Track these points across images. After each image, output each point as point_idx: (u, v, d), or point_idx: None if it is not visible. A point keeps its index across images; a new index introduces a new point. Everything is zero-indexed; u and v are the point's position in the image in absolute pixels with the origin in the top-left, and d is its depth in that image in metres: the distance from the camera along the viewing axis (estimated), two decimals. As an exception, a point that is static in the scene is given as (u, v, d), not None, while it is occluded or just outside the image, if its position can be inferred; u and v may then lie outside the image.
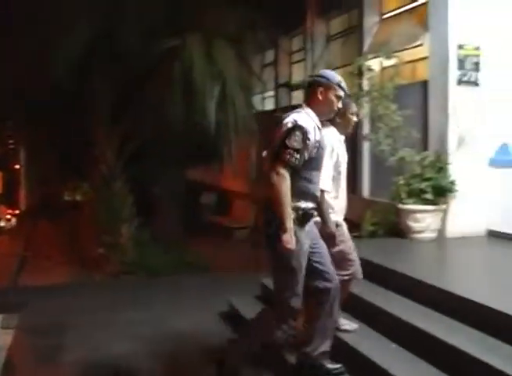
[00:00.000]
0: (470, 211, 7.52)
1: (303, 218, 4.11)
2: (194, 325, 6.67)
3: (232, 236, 15.29)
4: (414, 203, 7.28)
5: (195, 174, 15.58)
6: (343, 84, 4.32)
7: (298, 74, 13.15)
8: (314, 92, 4.25)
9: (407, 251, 7.11)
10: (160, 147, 11.38)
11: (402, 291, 5.36)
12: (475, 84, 7.60)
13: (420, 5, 8.65)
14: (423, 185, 7.30)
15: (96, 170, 11.59)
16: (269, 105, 14.97)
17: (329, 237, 4.48)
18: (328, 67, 11.37)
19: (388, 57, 8.02)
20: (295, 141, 3.99)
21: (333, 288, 4.29)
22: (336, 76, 4.34)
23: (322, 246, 4.34)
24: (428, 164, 7.46)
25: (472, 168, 7.55)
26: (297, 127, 4.02)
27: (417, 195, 7.29)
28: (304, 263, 4.16)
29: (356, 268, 4.81)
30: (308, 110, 4.22)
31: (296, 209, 4.04)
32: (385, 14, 9.77)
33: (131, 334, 6.47)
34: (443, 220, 7.42)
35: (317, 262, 4.27)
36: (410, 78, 8.80)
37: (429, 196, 7.26)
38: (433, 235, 7.33)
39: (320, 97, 4.23)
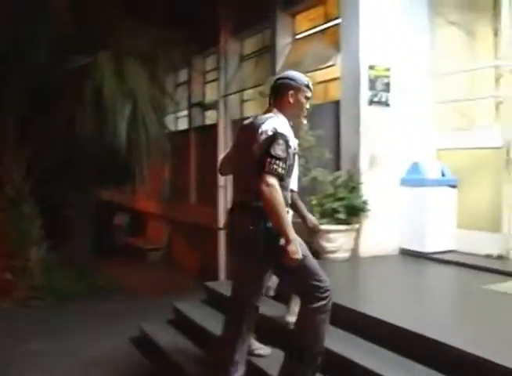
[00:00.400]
0: (382, 231, 7.58)
1: None
2: (106, 353, 6.44)
3: (145, 257, 15.03)
4: (327, 223, 7.25)
5: (108, 194, 15.25)
6: (310, 84, 4.20)
7: (212, 94, 13.07)
8: (284, 95, 4.06)
9: (320, 271, 7.06)
10: (71, 167, 11.04)
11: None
12: (386, 104, 7.69)
13: (332, 27, 8.74)
14: (336, 205, 7.29)
15: (3, 191, 11.13)
16: (183, 125, 14.81)
17: (313, 231, 4.42)
18: (241, 87, 11.41)
19: (301, 77, 7.99)
20: (280, 150, 3.79)
21: None
22: (303, 76, 4.20)
23: None
24: (341, 184, 7.47)
25: (384, 187, 7.62)
26: (278, 135, 3.83)
27: (330, 215, 7.27)
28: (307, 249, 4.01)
29: (270, 284, 4.67)
30: (280, 115, 4.04)
31: None
32: (298, 35, 9.81)
33: (38, 366, 6.15)
34: (356, 240, 7.43)
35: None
36: (322, 98, 8.84)
37: (342, 215, 7.26)
38: (346, 255, 7.32)
39: (291, 100, 4.07)
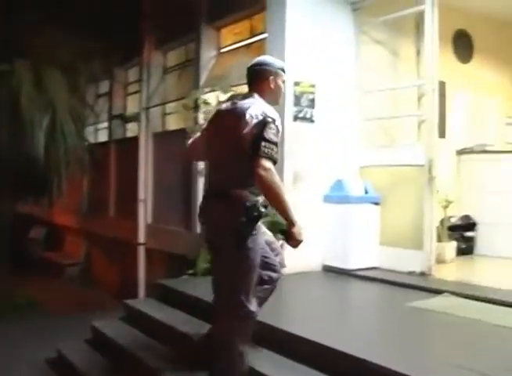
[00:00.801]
0: (306, 247, 7.45)
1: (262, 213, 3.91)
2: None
3: (62, 273, 14.57)
4: (251, 239, 7.14)
5: (28, 208, 14.75)
6: (285, 67, 4.28)
7: (133, 106, 12.82)
8: (265, 80, 4.10)
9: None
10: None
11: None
12: (311, 120, 7.65)
13: (257, 41, 8.67)
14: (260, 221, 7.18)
15: None
16: (103, 137, 14.48)
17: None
18: (163, 100, 11.24)
19: (225, 91, 7.90)
20: (272, 134, 3.75)
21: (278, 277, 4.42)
22: (278, 60, 4.27)
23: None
24: (265, 200, 7.35)
25: (308, 203, 7.56)
26: (269, 118, 3.79)
27: (254, 231, 7.16)
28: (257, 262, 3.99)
29: None
30: (261, 100, 4.01)
31: (260, 205, 3.87)
32: (223, 48, 9.72)
33: None
34: (279, 256, 7.34)
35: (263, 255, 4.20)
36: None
37: (266, 232, 7.15)
38: (269, 271, 7.21)
39: (272, 86, 4.11)
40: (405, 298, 6.00)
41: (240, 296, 3.86)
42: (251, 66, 4.21)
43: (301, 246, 3.98)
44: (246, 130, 3.76)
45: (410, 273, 7.14)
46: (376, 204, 7.60)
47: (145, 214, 11.43)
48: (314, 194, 7.66)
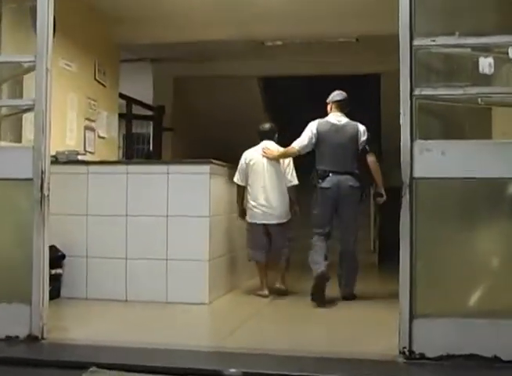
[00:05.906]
0: None
1: None
2: None
3: None
4: None
5: None
6: None
7: None
8: (348, 109, 6.99)
9: None
10: None
11: None
12: None
13: None
14: None
15: None
16: None
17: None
18: None
19: None
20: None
21: None
22: None
23: None
24: None
25: None
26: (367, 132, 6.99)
27: None
28: None
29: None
30: None
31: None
32: None
33: None
34: None
35: None
36: None
37: None
38: None
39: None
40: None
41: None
42: (346, 97, 6.99)
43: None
44: (363, 138, 6.89)
45: (10, 340, 4.77)
46: None
47: None
48: None
